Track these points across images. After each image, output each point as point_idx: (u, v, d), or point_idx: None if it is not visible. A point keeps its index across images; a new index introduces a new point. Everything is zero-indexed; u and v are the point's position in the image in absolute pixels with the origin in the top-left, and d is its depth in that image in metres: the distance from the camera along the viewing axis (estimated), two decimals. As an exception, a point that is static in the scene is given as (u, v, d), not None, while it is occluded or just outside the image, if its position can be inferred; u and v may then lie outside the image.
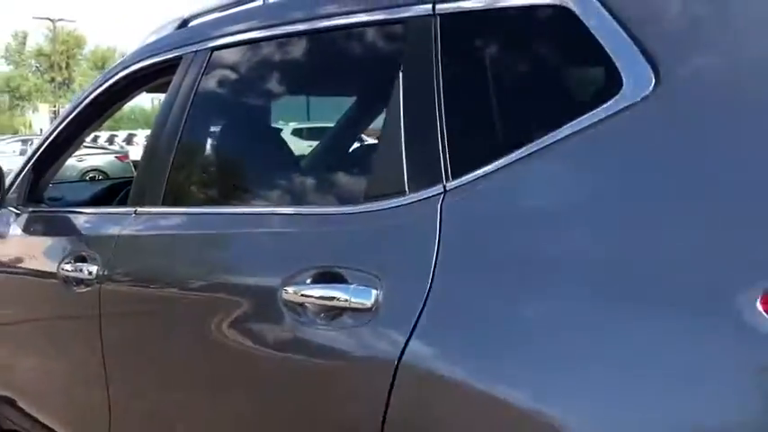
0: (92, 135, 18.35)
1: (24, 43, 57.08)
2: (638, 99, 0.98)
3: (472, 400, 1.03)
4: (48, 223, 2.34)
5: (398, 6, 1.35)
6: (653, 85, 0.97)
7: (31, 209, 2.40)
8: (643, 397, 0.89)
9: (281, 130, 1.90)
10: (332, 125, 2.14)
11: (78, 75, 50.97)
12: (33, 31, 59.76)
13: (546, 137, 1.05)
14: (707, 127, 0.95)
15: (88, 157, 14.03)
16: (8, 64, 56.65)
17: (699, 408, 0.86)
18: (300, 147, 4.41)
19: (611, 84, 1.01)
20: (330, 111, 2.63)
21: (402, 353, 1.10)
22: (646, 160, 0.98)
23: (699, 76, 0.98)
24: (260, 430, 1.42)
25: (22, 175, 2.47)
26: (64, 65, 52.48)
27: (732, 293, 0.84)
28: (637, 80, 0.99)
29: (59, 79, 48.72)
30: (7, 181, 2.47)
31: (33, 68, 57.83)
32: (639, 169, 0.98)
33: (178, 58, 1.89)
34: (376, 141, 1.53)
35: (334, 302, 1.22)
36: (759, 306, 0.81)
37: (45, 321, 2.27)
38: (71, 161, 14.05)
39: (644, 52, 0.99)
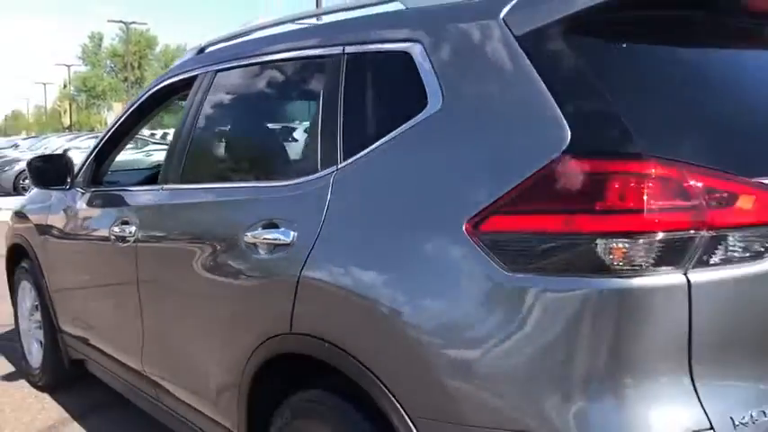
0: (160, 133, 19.38)
1: (100, 45, 59.90)
2: (433, 112, 1.64)
3: (341, 300, 1.72)
4: (104, 199, 3.13)
5: (323, 47, 2.06)
6: (441, 103, 1.63)
7: (92, 189, 3.20)
8: (420, 288, 1.55)
9: (264, 129, 2.69)
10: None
11: (150, 74, 53.13)
12: (108, 33, 62.33)
13: (386, 136, 1.73)
14: (459, 125, 1.61)
15: (155, 153, 15.20)
16: (85, 65, 59.61)
17: (437, 292, 1.53)
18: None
19: (424, 103, 1.68)
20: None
21: (301, 271, 1.80)
22: (430, 144, 1.65)
23: (462, 98, 1.63)
24: (235, 322, 2.13)
25: (86, 164, 3.28)
26: (136, 65, 54.87)
27: (450, 221, 1.50)
28: (434, 101, 1.65)
29: (132, 78, 51.00)
30: (76, 169, 3.30)
31: (108, 69, 60.60)
32: (426, 149, 1.66)
33: (194, 77, 2.63)
34: (305, 138, 2.27)
35: (272, 241, 1.92)
36: (463, 229, 1.46)
37: (102, 272, 3.05)
38: (140, 156, 15.04)
39: (439, 83, 1.66)
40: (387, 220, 1.68)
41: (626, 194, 1.35)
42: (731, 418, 1.36)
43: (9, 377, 4.09)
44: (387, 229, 1.68)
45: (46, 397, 3.74)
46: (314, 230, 1.81)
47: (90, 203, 3.21)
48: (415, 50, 1.74)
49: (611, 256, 1.32)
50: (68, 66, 55.74)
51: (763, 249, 1.40)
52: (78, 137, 21.36)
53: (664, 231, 1.33)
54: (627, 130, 1.39)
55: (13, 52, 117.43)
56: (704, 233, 1.34)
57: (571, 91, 1.47)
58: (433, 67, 1.69)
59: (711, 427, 1.34)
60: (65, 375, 3.74)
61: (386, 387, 1.59)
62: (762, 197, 1.41)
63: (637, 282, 1.32)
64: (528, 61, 1.51)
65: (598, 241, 1.33)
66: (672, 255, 1.33)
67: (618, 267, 1.32)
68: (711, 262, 1.36)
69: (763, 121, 1.66)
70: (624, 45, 1.59)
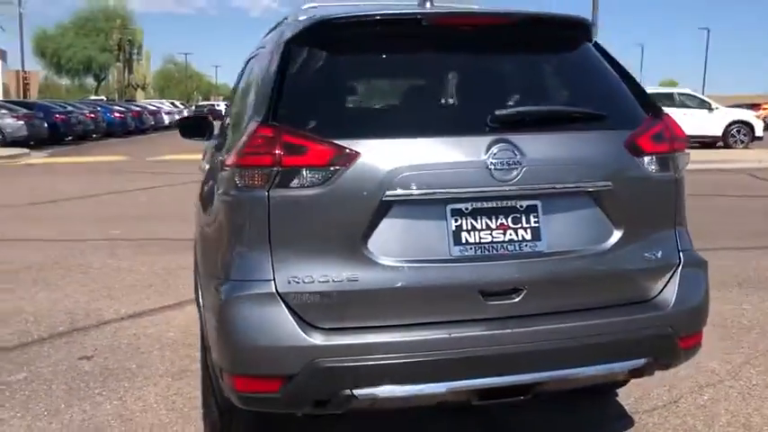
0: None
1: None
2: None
3: None
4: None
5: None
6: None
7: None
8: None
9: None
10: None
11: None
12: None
13: None
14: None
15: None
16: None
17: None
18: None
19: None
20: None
21: None
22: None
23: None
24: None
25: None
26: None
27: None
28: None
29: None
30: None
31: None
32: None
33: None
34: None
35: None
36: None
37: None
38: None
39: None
40: None
41: (247, 143, 2.38)
42: (289, 277, 2.32)
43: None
44: None
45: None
46: None
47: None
48: None
49: (237, 180, 2.38)
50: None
51: (316, 181, 2.31)
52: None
53: (255, 167, 2.34)
54: (281, 109, 2.39)
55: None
56: (278, 168, 2.30)
57: (282, 87, 2.44)
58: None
59: (273, 279, 2.31)
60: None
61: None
62: (315, 149, 2.31)
63: (245, 194, 2.36)
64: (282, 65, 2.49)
65: (235, 170, 2.39)
66: (260, 180, 2.32)
67: (244, 185, 2.36)
68: (283, 185, 2.31)
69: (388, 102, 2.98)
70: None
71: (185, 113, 39.38)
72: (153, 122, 37.77)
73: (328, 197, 2.31)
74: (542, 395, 2.56)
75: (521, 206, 2.45)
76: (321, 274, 2.31)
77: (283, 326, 2.29)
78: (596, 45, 2.82)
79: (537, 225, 2.46)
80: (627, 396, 3.57)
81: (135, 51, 66.71)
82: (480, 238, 2.41)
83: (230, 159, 2.46)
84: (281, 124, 2.35)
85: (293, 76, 2.48)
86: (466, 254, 2.39)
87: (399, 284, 2.33)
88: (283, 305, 2.30)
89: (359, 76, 2.57)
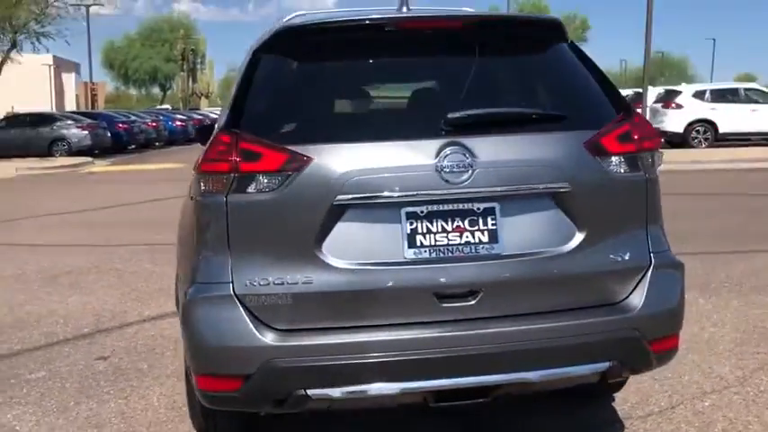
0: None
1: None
2: None
3: None
4: None
5: None
6: None
7: None
8: None
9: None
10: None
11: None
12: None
13: None
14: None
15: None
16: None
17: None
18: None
19: None
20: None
21: None
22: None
23: None
24: None
25: None
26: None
27: None
28: None
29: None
30: None
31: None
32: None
33: None
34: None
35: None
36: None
37: None
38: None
39: None
40: None
41: (209, 150, 2.50)
42: (246, 280, 2.40)
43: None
44: None
45: None
46: None
47: None
48: None
49: (202, 185, 2.49)
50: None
51: (271, 186, 2.38)
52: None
53: (215, 173, 2.44)
54: (243, 116, 2.48)
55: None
56: (235, 174, 2.39)
57: (245, 94, 2.56)
58: None
59: (231, 281, 2.40)
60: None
61: None
62: (269, 154, 2.38)
63: (208, 199, 2.46)
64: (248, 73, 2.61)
65: (200, 176, 2.50)
66: (220, 185, 2.41)
67: (206, 190, 2.47)
68: (241, 191, 2.39)
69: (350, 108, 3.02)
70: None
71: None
72: (213, 130, 38.70)
73: (283, 202, 2.38)
74: (502, 398, 2.56)
75: (478, 208, 2.46)
76: (277, 277, 2.38)
77: (240, 327, 2.36)
78: (572, 45, 2.80)
79: (494, 227, 2.46)
80: (623, 401, 3.51)
81: (198, 61, 68.50)
82: (436, 240, 2.43)
83: (197, 165, 2.55)
84: (240, 131, 2.43)
85: (256, 83, 2.57)
86: (420, 256, 2.41)
87: (353, 287, 2.38)
88: (240, 307, 2.38)
89: (317, 82, 2.61)
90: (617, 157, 2.57)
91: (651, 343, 2.58)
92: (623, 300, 2.56)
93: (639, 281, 2.58)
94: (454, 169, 2.39)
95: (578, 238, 2.52)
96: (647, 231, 2.64)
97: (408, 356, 2.36)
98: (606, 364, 2.51)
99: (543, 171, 2.47)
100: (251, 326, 2.36)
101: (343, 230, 2.40)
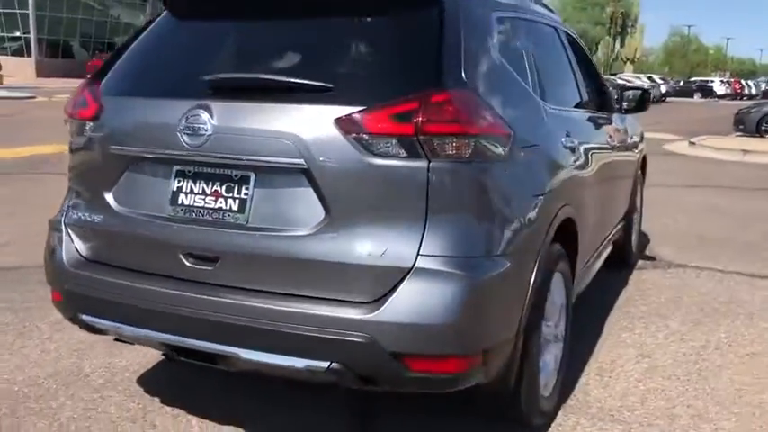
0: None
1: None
2: None
3: None
4: None
5: None
6: None
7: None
8: None
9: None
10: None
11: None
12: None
13: None
14: None
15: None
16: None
17: None
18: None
19: None
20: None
21: None
22: None
23: None
24: None
25: None
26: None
27: None
28: None
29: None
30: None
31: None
32: None
33: None
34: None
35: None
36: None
37: None
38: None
39: None
40: None
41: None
42: (71, 212, 2.81)
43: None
44: None
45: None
46: None
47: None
48: None
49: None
50: None
51: (85, 134, 2.72)
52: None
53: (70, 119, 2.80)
54: (106, 70, 2.83)
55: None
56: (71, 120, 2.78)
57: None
58: None
59: (65, 211, 2.83)
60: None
61: None
62: (90, 103, 2.69)
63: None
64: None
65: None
66: (74, 128, 2.79)
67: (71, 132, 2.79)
68: (78, 133, 2.75)
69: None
70: None
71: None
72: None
73: (89, 147, 2.70)
74: (234, 370, 2.50)
75: (235, 176, 2.41)
76: (86, 213, 2.72)
77: (63, 249, 2.78)
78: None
79: (246, 197, 2.39)
80: None
81: (630, 24, 66.24)
82: (194, 201, 2.46)
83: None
84: (94, 83, 2.80)
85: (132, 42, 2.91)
86: (177, 215, 2.48)
87: (124, 233, 2.60)
88: (66, 234, 2.78)
89: (144, 39, 2.81)
90: (383, 139, 2.22)
91: (402, 358, 2.22)
92: (368, 301, 2.23)
93: (394, 284, 2.22)
94: (191, 132, 2.40)
95: (323, 222, 2.28)
96: (423, 230, 2.23)
97: (150, 306, 2.48)
98: (325, 364, 2.25)
99: (280, 144, 2.29)
100: (63, 252, 2.75)
101: (129, 180, 2.61)
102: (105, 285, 2.59)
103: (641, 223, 6.01)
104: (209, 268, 2.43)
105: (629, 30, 65.81)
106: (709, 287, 5.05)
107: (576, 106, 3.80)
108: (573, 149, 3.15)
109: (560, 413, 3.08)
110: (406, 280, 2.21)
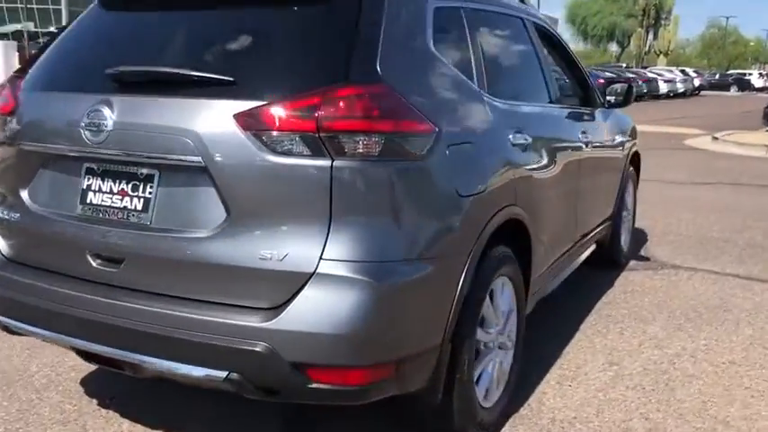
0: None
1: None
2: None
3: None
4: None
5: None
6: None
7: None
8: None
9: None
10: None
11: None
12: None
13: None
14: None
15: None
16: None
17: None
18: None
19: None
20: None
21: None
22: None
23: None
24: None
25: None
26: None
27: None
28: None
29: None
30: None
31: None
32: None
33: None
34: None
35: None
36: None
37: None
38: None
39: None
40: None
41: None
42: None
43: None
44: None
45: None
46: None
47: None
48: None
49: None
50: None
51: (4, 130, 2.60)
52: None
53: None
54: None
55: None
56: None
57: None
58: None
59: None
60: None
61: None
62: (9, 99, 2.58)
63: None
64: None
65: None
66: None
67: None
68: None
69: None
70: None
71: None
72: (646, 90, 36.87)
73: (5, 145, 2.62)
74: (142, 377, 2.40)
75: (141, 174, 2.30)
76: (3, 212, 2.63)
77: None
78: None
79: (150, 196, 2.28)
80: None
81: (664, 16, 64.90)
82: (102, 200, 2.37)
83: None
84: (20, 78, 2.72)
85: None
86: (85, 214, 2.39)
87: (36, 232, 2.51)
88: None
89: (76, 31, 2.73)
90: (284, 136, 2.09)
91: (303, 368, 2.10)
92: (268, 308, 2.11)
93: (296, 290, 2.09)
94: (92, 128, 2.30)
95: (224, 224, 2.16)
96: (327, 233, 2.10)
97: (60, 310, 2.38)
98: (223, 374, 2.14)
99: (179, 141, 2.17)
100: None
101: (43, 177, 2.52)
102: (21, 287, 2.51)
103: (634, 222, 5.78)
104: (115, 270, 2.33)
105: (662, 22, 64.46)
106: (700, 290, 4.82)
107: (541, 101, 3.62)
108: (525, 146, 2.97)
109: (508, 424, 2.93)
110: (307, 286, 2.08)
